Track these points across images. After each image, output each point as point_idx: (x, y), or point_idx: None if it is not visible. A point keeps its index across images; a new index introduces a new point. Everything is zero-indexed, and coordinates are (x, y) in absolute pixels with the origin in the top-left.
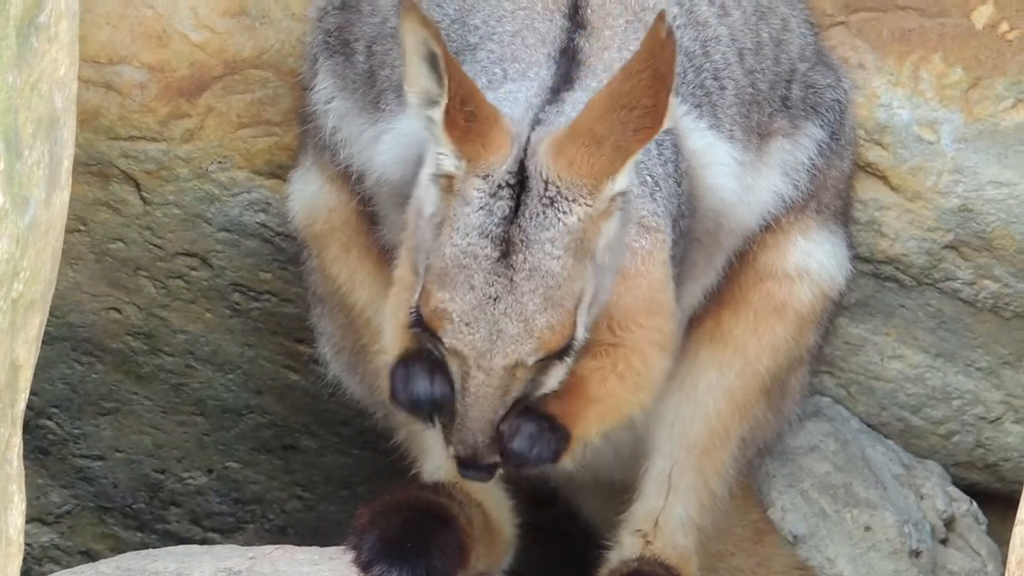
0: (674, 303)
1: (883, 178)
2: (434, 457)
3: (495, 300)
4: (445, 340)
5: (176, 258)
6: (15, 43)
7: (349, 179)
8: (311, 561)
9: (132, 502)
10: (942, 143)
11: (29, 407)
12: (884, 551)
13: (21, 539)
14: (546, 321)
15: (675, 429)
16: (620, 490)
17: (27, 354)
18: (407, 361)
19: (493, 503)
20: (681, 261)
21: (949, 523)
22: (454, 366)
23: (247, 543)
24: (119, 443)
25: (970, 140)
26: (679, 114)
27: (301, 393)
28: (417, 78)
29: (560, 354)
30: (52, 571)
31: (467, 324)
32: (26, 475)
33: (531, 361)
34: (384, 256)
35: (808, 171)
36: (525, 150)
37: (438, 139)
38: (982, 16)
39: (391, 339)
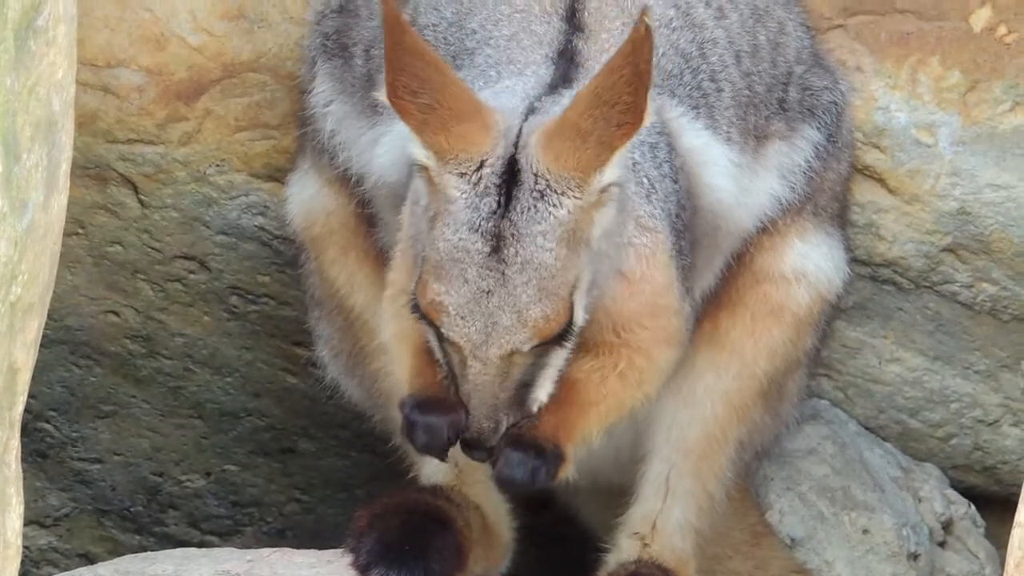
0: (678, 302)
1: (881, 181)
2: (432, 460)
3: (488, 294)
4: (443, 331)
5: (174, 261)
6: (13, 46)
7: (347, 182)
8: (309, 564)
9: (130, 505)
10: (940, 146)
11: (27, 410)
12: (882, 554)
13: (19, 542)
14: (540, 311)
15: (673, 432)
16: (618, 493)
17: (25, 357)
18: (423, 405)
19: (491, 506)
20: (689, 253)
21: (947, 526)
22: (453, 354)
23: (245, 546)
24: (117, 446)
25: (968, 143)
26: (676, 115)
27: (299, 396)
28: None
29: (559, 339)
30: (50, 574)
31: (462, 317)
32: (24, 478)
33: (527, 348)
34: (383, 259)
35: (805, 174)
36: (516, 142)
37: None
38: (980, 19)
39: (401, 367)
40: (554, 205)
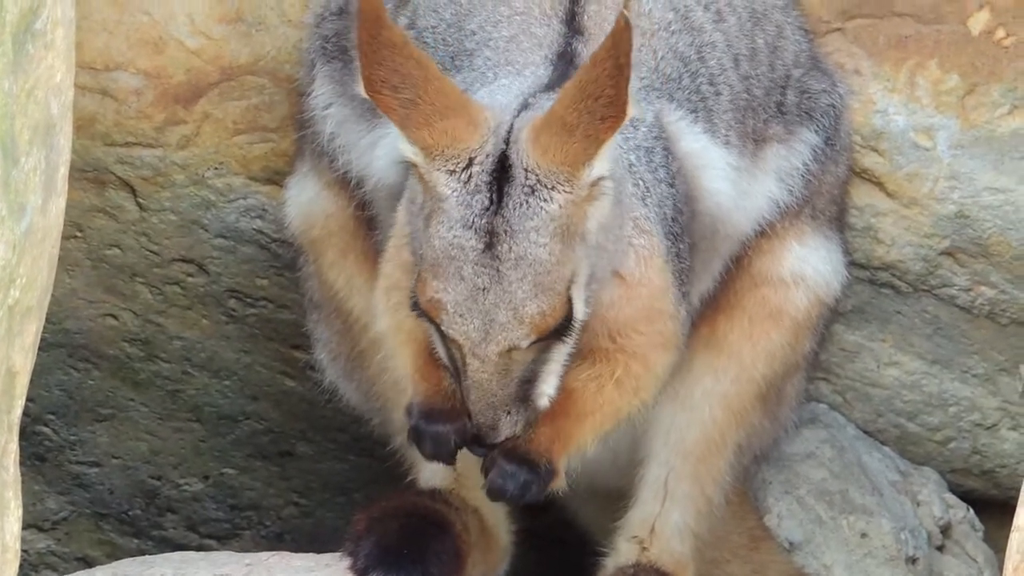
0: (674, 306)
1: (879, 184)
2: (431, 464)
3: (484, 291)
4: (443, 328)
5: (172, 264)
6: (11, 50)
7: (347, 185)
8: (307, 567)
9: (128, 508)
10: (938, 149)
11: (25, 413)
12: (880, 558)
13: (17, 546)
14: (536, 307)
15: (671, 436)
16: (616, 497)
17: (23, 361)
18: (429, 414)
19: (490, 509)
20: (688, 257)
21: (945, 530)
22: (453, 350)
23: (243, 549)
24: (115, 449)
25: (966, 146)
26: (674, 119)
27: (297, 399)
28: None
29: (558, 334)
30: None
31: (461, 315)
32: (22, 481)
33: (525, 345)
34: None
35: (803, 176)
36: (507, 138)
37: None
38: (978, 22)
39: (403, 366)
40: (545, 200)
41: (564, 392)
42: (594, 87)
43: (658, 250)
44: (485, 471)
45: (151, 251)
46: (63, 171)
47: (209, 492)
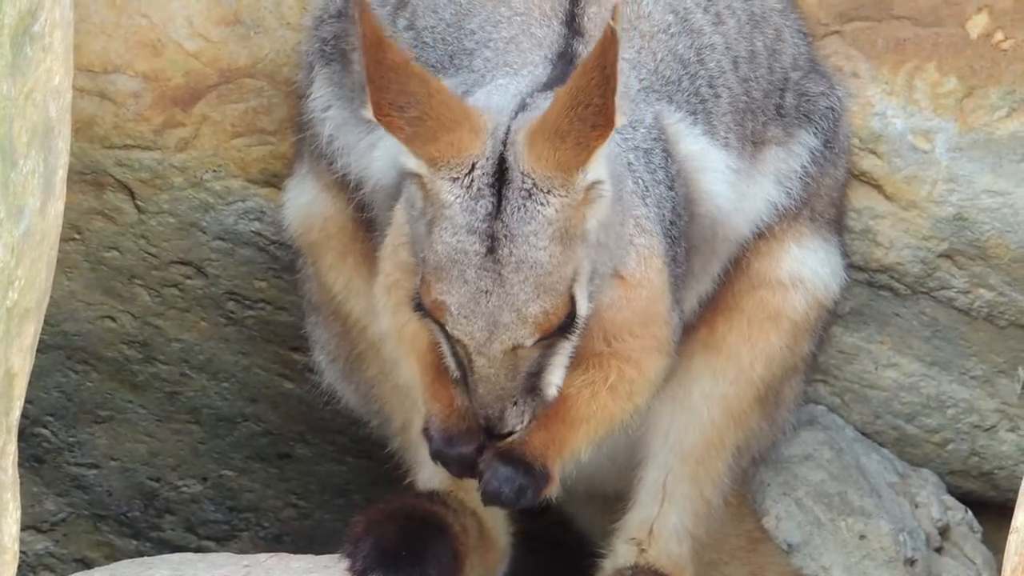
0: (670, 310)
1: (878, 187)
2: (429, 466)
3: (487, 293)
4: (448, 329)
5: (171, 267)
6: (9, 52)
7: (345, 187)
8: (306, 569)
9: (127, 510)
10: (936, 152)
11: (24, 415)
12: (879, 560)
13: (16, 547)
14: (539, 308)
15: (670, 438)
16: (614, 499)
17: (22, 362)
18: (449, 439)
19: (488, 512)
20: (684, 261)
21: (944, 532)
22: (459, 349)
23: (242, 551)
24: (114, 451)
25: (965, 149)
26: (673, 121)
27: (296, 401)
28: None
29: (562, 331)
30: None
31: (465, 316)
32: (21, 483)
33: (529, 344)
34: None
35: (801, 179)
36: (505, 139)
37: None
38: (977, 25)
39: (411, 376)
40: (542, 203)
41: (558, 398)
42: (583, 95)
43: (657, 250)
44: (480, 476)
45: (149, 253)
46: (61, 173)
47: (208, 494)
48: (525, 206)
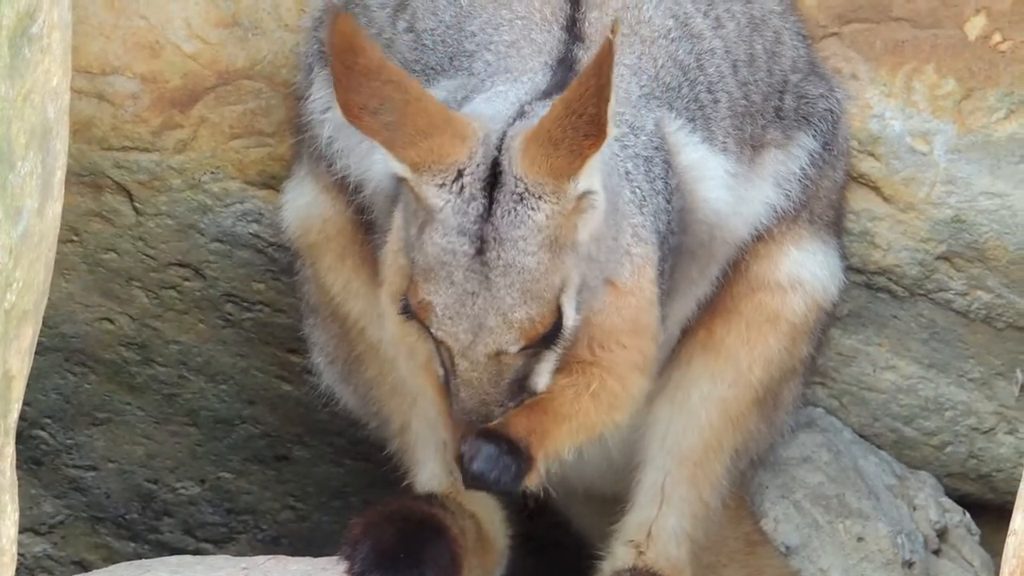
0: (658, 325)
1: (876, 189)
2: (427, 468)
3: (474, 295)
4: (432, 330)
5: (169, 268)
6: (8, 54)
7: (344, 189)
8: (304, 571)
9: (125, 512)
10: (935, 154)
11: (22, 417)
12: (877, 562)
13: (14, 549)
14: (525, 314)
15: (668, 440)
16: (612, 501)
17: (20, 364)
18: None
19: (486, 514)
20: (670, 277)
21: (942, 534)
22: (444, 352)
23: (240, 553)
24: (112, 453)
25: (963, 151)
26: (673, 129)
27: (294, 403)
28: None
29: (547, 341)
30: None
31: (450, 318)
32: (19, 485)
33: (514, 350)
34: (379, 266)
35: (800, 181)
36: (500, 145)
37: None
38: (975, 27)
39: (432, 406)
40: (532, 209)
41: (541, 395)
42: (579, 104)
43: (651, 260)
44: (461, 459)
45: (147, 255)
46: (59, 175)
47: (206, 496)
48: (516, 210)
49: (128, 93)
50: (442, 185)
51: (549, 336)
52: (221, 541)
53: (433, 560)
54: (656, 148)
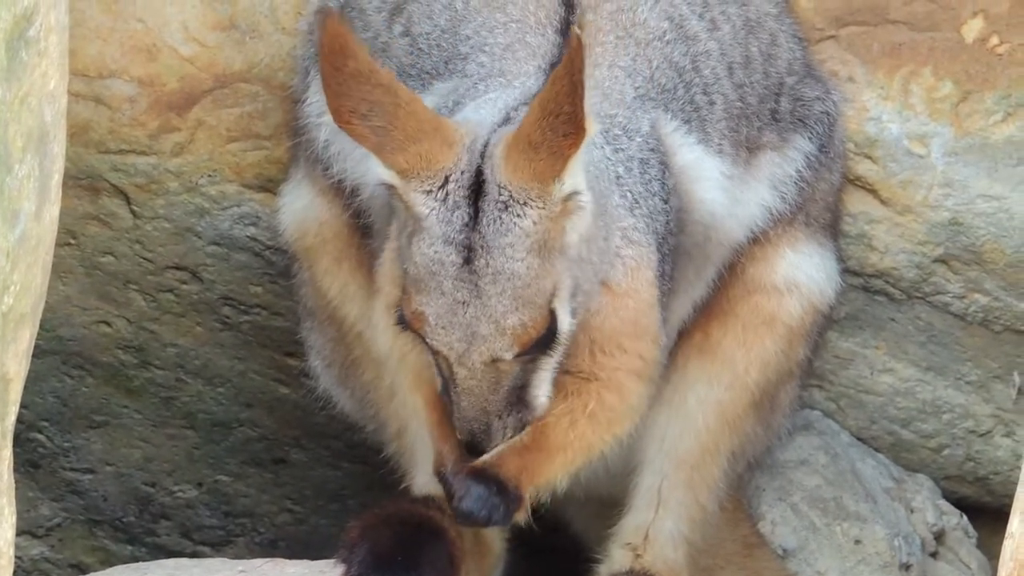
0: (659, 327)
1: (873, 191)
2: (425, 471)
3: (464, 304)
4: (427, 340)
5: (166, 272)
6: (5, 57)
7: (341, 192)
8: (301, 574)
9: (122, 515)
10: (932, 157)
11: (19, 420)
12: (874, 564)
13: (11, 552)
14: (517, 320)
15: (665, 444)
16: (610, 504)
17: (17, 367)
18: (474, 480)
19: None
20: (670, 278)
21: (939, 537)
22: (442, 361)
23: (237, 556)
24: (109, 456)
25: (960, 154)
26: (669, 130)
27: (291, 406)
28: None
29: (543, 346)
30: None
31: (443, 327)
32: (16, 488)
33: (509, 357)
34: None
35: (796, 184)
36: (483, 153)
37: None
38: (972, 30)
39: (420, 421)
40: (518, 215)
41: (536, 426)
42: (554, 105)
43: (649, 261)
44: (451, 496)
45: (145, 258)
46: (57, 178)
47: (203, 499)
48: (501, 218)
49: (125, 96)
50: (429, 192)
51: (544, 341)
52: (218, 544)
53: (430, 563)
54: (652, 150)
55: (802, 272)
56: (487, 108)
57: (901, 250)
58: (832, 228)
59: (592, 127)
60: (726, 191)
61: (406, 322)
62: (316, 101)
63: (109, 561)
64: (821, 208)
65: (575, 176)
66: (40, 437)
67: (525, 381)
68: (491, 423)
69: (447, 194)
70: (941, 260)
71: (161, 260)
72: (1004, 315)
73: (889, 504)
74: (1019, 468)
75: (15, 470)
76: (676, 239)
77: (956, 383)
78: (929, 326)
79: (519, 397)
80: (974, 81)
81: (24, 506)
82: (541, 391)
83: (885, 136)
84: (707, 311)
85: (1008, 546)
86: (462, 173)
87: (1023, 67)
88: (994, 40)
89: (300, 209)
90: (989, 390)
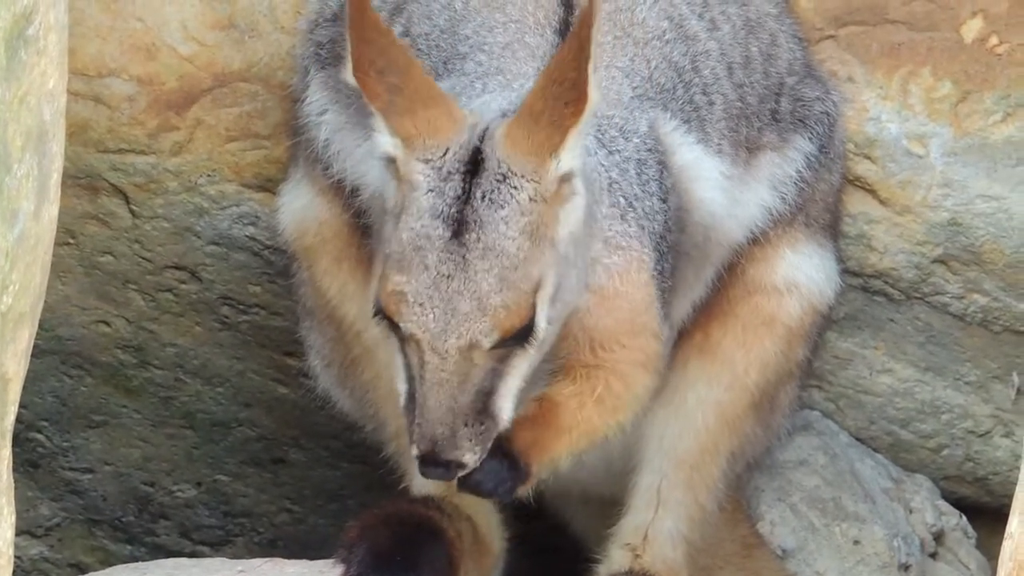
0: (659, 323)
1: (872, 192)
2: None
3: (448, 278)
4: (402, 325)
5: (165, 271)
6: (4, 56)
7: (341, 192)
8: (300, 574)
9: (121, 515)
10: (931, 157)
11: (18, 420)
12: (873, 565)
13: (11, 552)
14: (500, 300)
15: (664, 443)
16: (609, 504)
17: (16, 367)
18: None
19: (482, 516)
20: (672, 275)
21: (938, 537)
22: (412, 354)
23: (236, 556)
24: (108, 456)
25: (959, 154)
26: (668, 129)
27: (290, 406)
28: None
29: (519, 340)
30: None
31: (421, 304)
32: (15, 488)
33: (487, 343)
34: None
35: (796, 184)
36: (483, 135)
37: (369, 111)
38: (972, 30)
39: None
40: (515, 188)
41: (547, 404)
42: (558, 72)
43: (641, 264)
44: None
45: (144, 258)
46: (56, 178)
47: (202, 499)
48: (499, 189)
49: (124, 95)
50: (428, 160)
51: (521, 335)
52: (218, 544)
53: (429, 563)
54: (650, 150)
55: (802, 273)
56: (484, 109)
57: (900, 250)
58: (832, 229)
59: (594, 96)
60: (725, 191)
61: (381, 312)
62: (316, 100)
63: (108, 561)
64: (821, 208)
65: (572, 154)
66: (39, 437)
67: (492, 387)
68: (456, 429)
69: (444, 163)
70: (940, 260)
71: (160, 260)
72: (1003, 315)
73: (888, 504)
74: (1018, 468)
75: (14, 470)
76: (676, 237)
77: (955, 383)
78: (928, 326)
79: (484, 405)
80: (973, 81)
81: (23, 506)
82: (507, 403)
83: (884, 136)
84: (707, 311)
85: (1007, 546)
86: (460, 147)
87: (1022, 67)
88: (993, 40)
89: (299, 209)
90: (988, 390)
